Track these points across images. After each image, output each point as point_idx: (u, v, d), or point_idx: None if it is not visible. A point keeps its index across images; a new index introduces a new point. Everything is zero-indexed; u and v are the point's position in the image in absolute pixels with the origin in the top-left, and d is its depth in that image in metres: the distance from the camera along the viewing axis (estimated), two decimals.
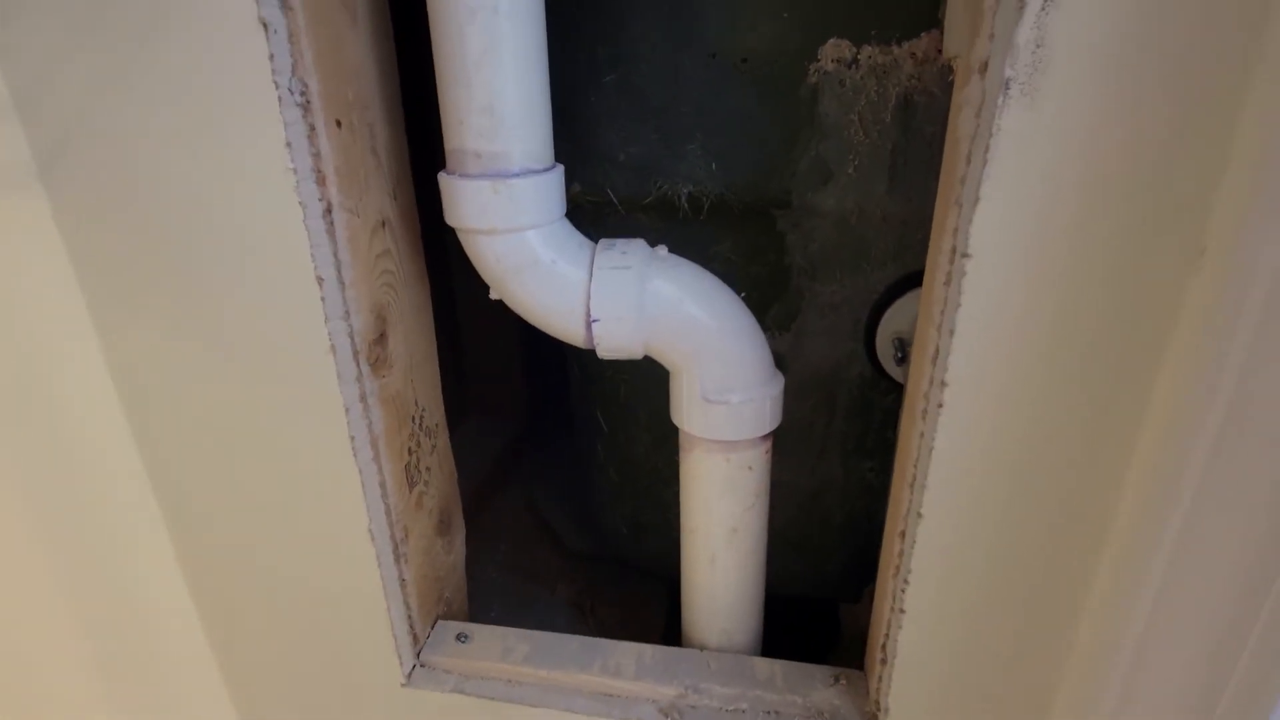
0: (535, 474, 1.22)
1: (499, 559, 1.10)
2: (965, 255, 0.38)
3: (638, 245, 0.52)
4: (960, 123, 0.40)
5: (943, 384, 0.42)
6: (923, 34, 0.55)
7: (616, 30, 0.60)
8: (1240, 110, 0.34)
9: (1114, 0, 0.33)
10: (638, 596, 1.02)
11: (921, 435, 0.45)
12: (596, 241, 0.54)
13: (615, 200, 0.66)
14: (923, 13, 0.54)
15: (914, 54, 0.56)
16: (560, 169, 0.51)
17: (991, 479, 0.43)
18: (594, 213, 0.68)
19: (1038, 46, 0.34)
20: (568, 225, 0.52)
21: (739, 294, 0.70)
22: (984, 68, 0.37)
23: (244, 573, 0.59)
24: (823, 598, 0.99)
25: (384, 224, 0.54)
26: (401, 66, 0.55)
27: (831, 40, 0.56)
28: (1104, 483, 0.42)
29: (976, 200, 0.37)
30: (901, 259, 0.66)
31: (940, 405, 0.42)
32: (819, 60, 0.57)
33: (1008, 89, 0.35)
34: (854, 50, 0.56)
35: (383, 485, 0.55)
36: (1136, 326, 0.38)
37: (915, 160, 0.59)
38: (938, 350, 0.42)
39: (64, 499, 0.52)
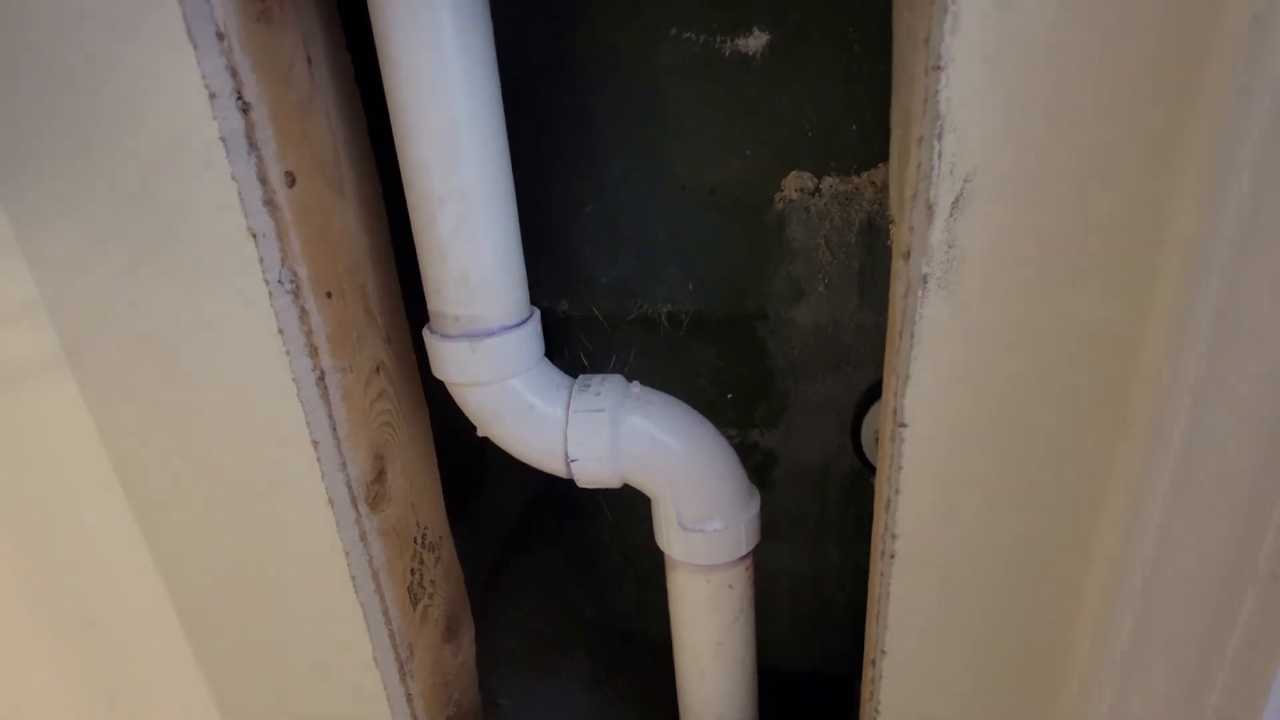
0: (553, 539, 1.25)
1: (517, 625, 1.13)
2: (902, 424, 0.41)
3: (612, 383, 0.56)
4: (895, 292, 0.42)
5: (894, 535, 0.44)
6: (880, 164, 0.57)
7: (592, 165, 0.63)
8: (1149, 301, 0.36)
9: (1017, 205, 0.35)
10: (654, 668, 1.04)
11: (881, 574, 0.47)
12: (576, 376, 0.58)
13: (600, 317, 0.70)
14: (878, 146, 0.56)
15: (873, 182, 0.58)
16: (536, 317, 0.55)
17: (947, 624, 0.45)
18: (581, 326, 0.72)
19: (949, 247, 0.36)
20: (545, 366, 0.56)
21: (725, 395, 0.73)
22: (907, 255, 0.39)
23: (252, 697, 0.63)
24: (834, 674, 1.00)
25: (379, 369, 0.58)
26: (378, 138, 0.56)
27: (794, 172, 0.59)
28: (1056, 620, 0.44)
29: (908, 377, 0.39)
30: (880, 361, 0.67)
31: (893, 555, 0.44)
32: (783, 190, 0.60)
33: (926, 283, 0.37)
34: (815, 181, 0.59)
35: (385, 612, 0.58)
36: (1069, 494, 0.40)
37: (883, 277, 0.61)
38: (888, 502, 0.44)
39: (99, 651, 0.57)
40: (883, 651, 0.47)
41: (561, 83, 0.60)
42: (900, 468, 0.42)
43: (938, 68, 0.33)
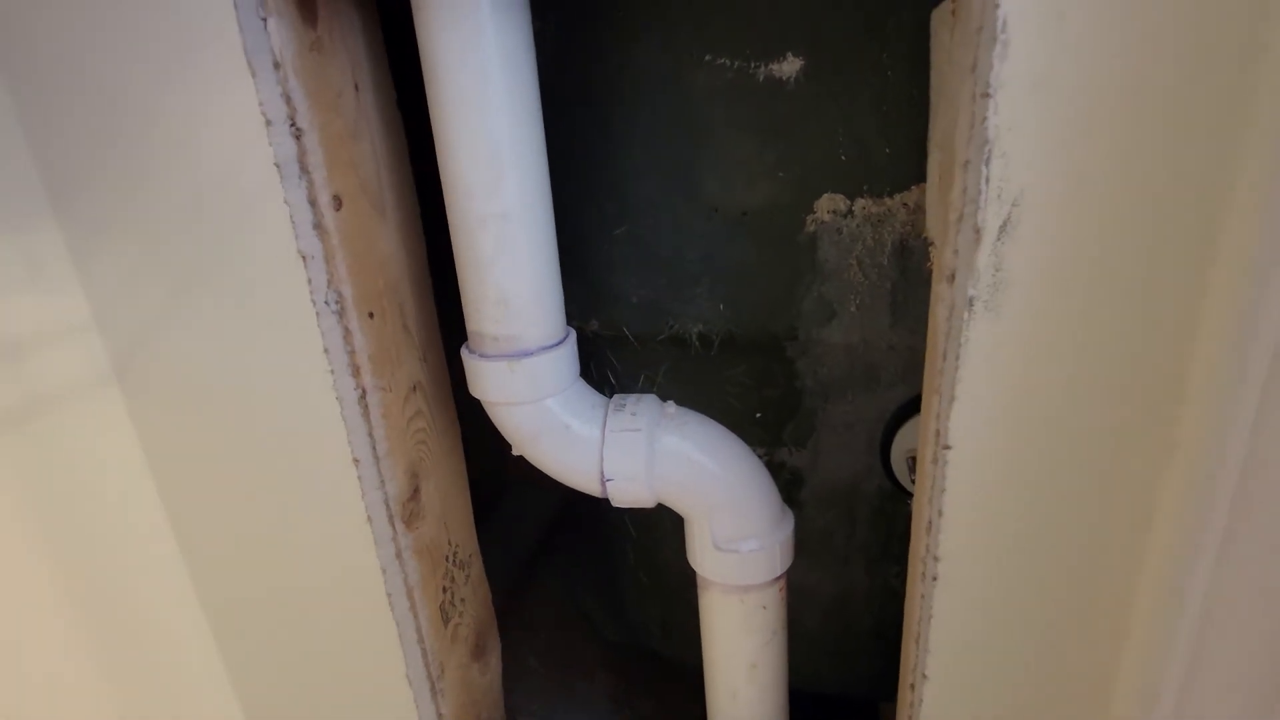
0: (574, 557, 1.25)
1: (539, 645, 1.13)
2: (946, 446, 0.41)
3: (647, 403, 0.56)
4: (938, 314, 0.42)
5: (935, 558, 0.44)
6: (913, 186, 0.58)
7: (625, 187, 0.64)
8: (1198, 324, 0.36)
9: (1064, 228, 0.35)
10: (675, 688, 1.04)
11: (922, 597, 0.47)
12: (611, 397, 0.58)
13: (630, 336, 0.70)
14: (911, 169, 0.57)
15: (906, 204, 0.58)
16: (572, 337, 0.55)
17: (989, 649, 0.45)
18: (612, 346, 0.72)
19: (996, 270, 0.36)
20: (581, 386, 0.56)
21: (753, 414, 0.73)
22: (952, 278, 0.39)
23: (283, 712, 0.63)
24: (859, 696, 0.98)
25: (415, 388, 0.59)
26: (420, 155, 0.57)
27: (826, 194, 0.59)
28: (1101, 646, 0.43)
29: (953, 399, 0.39)
30: (911, 380, 0.67)
31: (935, 578, 0.44)
32: (815, 212, 0.60)
33: (972, 305, 0.37)
34: (848, 203, 0.59)
35: (419, 630, 0.58)
36: (1114, 518, 0.40)
37: (915, 297, 0.62)
38: (930, 524, 0.44)
39: (133, 661, 0.57)
40: (923, 676, 0.47)
41: (597, 106, 0.61)
42: (943, 490, 0.41)
43: (986, 94, 0.33)
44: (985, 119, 0.34)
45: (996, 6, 0.32)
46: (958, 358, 0.38)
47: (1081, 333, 0.37)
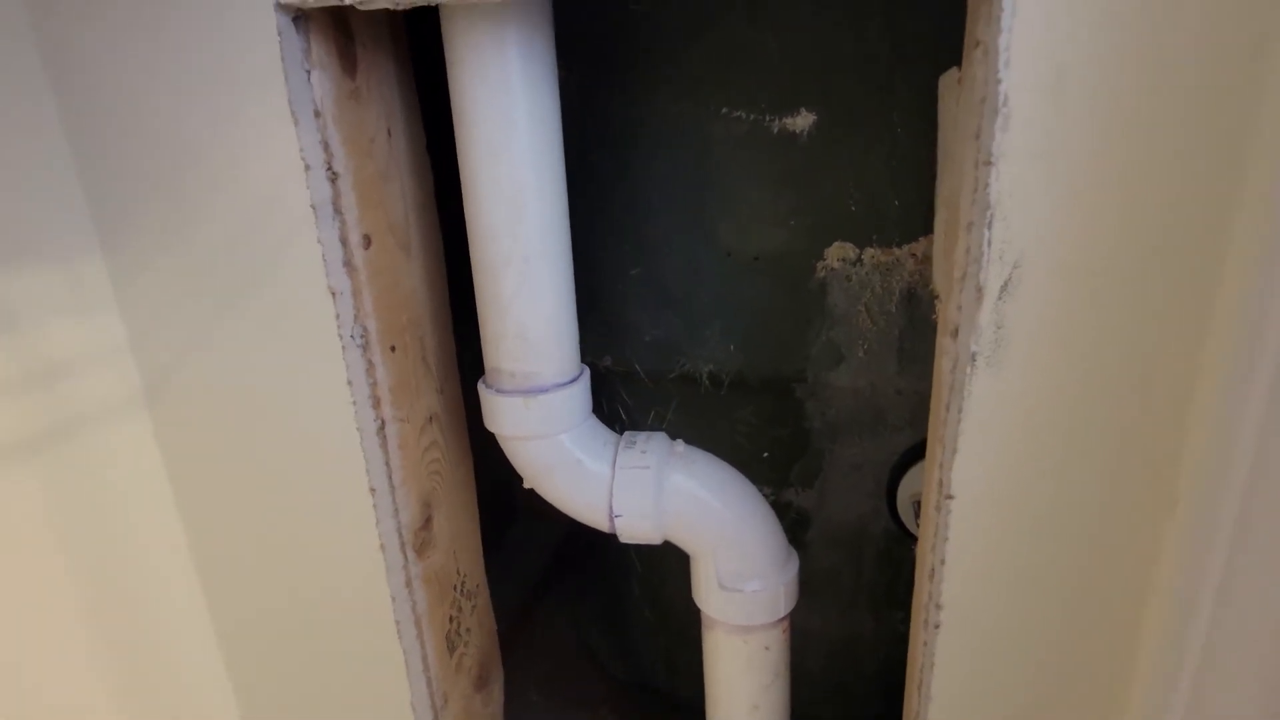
0: (579, 590, 1.25)
1: (541, 678, 1.12)
2: (949, 496, 0.42)
3: (657, 441, 0.57)
4: (942, 367, 0.43)
5: (938, 605, 0.44)
6: (920, 238, 0.59)
7: (642, 229, 0.66)
8: (1196, 385, 0.37)
9: (1064, 290, 0.37)
10: None
11: (925, 644, 0.47)
12: (621, 434, 0.59)
13: (642, 374, 0.72)
14: (919, 221, 0.59)
15: (914, 254, 0.60)
16: (586, 375, 0.57)
17: (992, 696, 0.45)
18: (623, 382, 0.74)
19: (998, 328, 0.38)
20: (593, 423, 0.58)
21: (761, 454, 0.74)
22: (955, 333, 0.40)
23: None
24: None
25: (431, 419, 0.60)
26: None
27: (836, 243, 0.61)
28: (1105, 695, 0.44)
29: (955, 450, 0.41)
30: (917, 425, 0.68)
31: (938, 626, 0.44)
32: (825, 260, 0.62)
33: (974, 361, 0.39)
34: (857, 251, 0.61)
35: (424, 659, 0.59)
36: (1116, 569, 0.40)
37: (922, 344, 0.63)
38: (932, 571, 0.45)
39: (143, 679, 0.58)
40: None
41: (618, 151, 0.64)
42: (946, 538, 0.42)
43: (989, 162, 0.35)
44: (988, 185, 0.35)
45: (999, 81, 0.34)
46: (960, 410, 0.40)
47: (1081, 390, 0.38)
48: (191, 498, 0.57)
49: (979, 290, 0.37)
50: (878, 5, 0.54)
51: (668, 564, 0.84)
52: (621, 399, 0.75)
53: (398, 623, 0.56)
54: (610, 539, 0.58)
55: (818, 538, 0.76)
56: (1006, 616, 0.43)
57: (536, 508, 0.61)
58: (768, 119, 0.59)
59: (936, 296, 0.53)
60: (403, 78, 0.55)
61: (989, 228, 0.36)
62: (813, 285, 0.63)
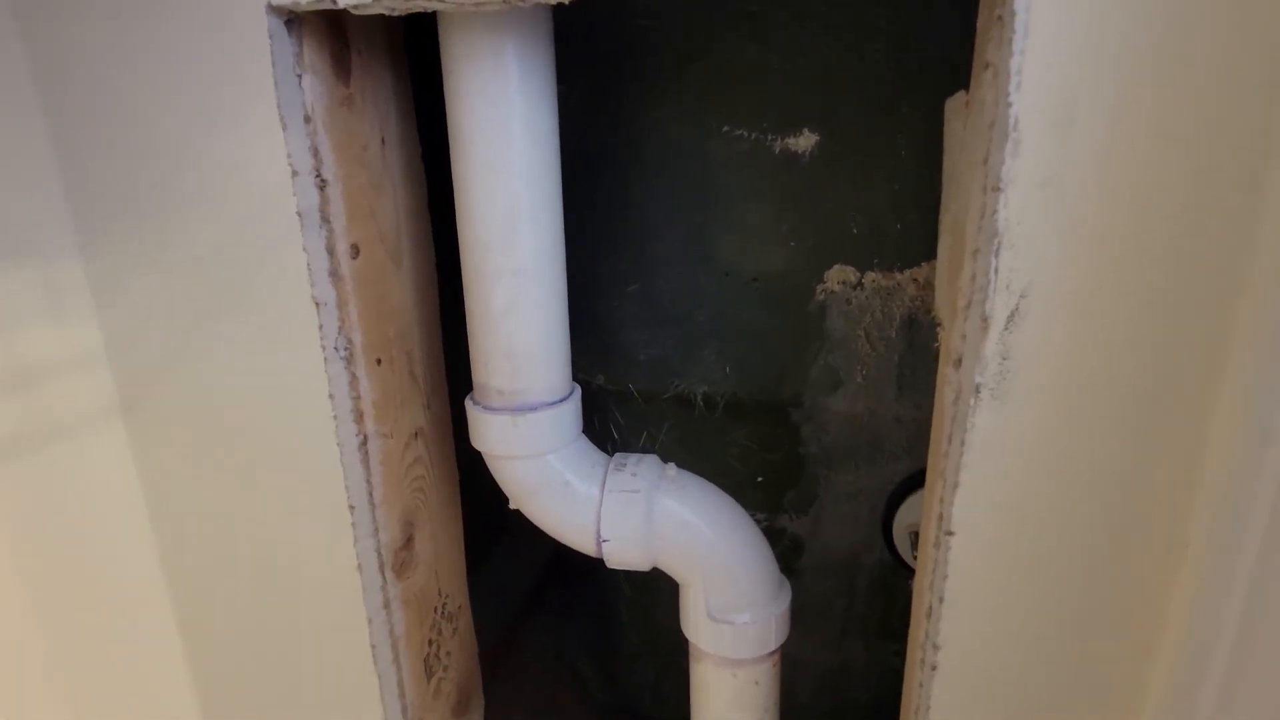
0: (566, 612, 1.22)
1: (525, 703, 1.09)
2: (949, 532, 0.40)
3: (648, 464, 0.55)
4: (944, 397, 0.42)
5: (935, 646, 0.42)
6: (923, 263, 0.58)
7: (640, 247, 0.65)
8: (1209, 420, 0.35)
9: (1072, 322, 0.35)
10: None
11: (920, 685, 0.45)
12: (612, 454, 0.58)
13: (636, 393, 0.70)
14: (921, 246, 0.57)
15: (915, 279, 0.59)
16: (577, 394, 0.55)
17: None
18: (616, 401, 0.72)
19: (1004, 359, 0.36)
20: (583, 443, 0.56)
21: (755, 478, 0.72)
22: (959, 363, 0.39)
23: None
24: None
25: (417, 434, 0.58)
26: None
27: (837, 265, 0.60)
28: None
29: (957, 484, 0.39)
30: (916, 454, 0.67)
31: (934, 667, 0.43)
32: (825, 282, 0.61)
33: (978, 393, 0.37)
34: (858, 275, 0.60)
35: (400, 685, 0.57)
36: (1123, 612, 0.39)
37: (922, 371, 0.62)
38: (930, 610, 0.43)
39: (111, 697, 0.56)
40: None
41: (618, 167, 0.63)
42: (945, 576, 0.41)
43: (997, 189, 0.34)
44: (995, 211, 0.34)
45: (1009, 105, 0.33)
46: (963, 443, 0.38)
47: (1089, 425, 0.37)
48: (165, 510, 0.55)
49: (985, 320, 0.36)
50: (883, 27, 0.53)
51: (658, 589, 0.82)
52: (614, 418, 0.74)
53: (373, 646, 0.54)
54: (599, 561, 0.56)
55: (811, 566, 0.74)
56: (1008, 660, 0.42)
57: (525, 526, 0.59)
58: (770, 138, 0.58)
59: (939, 324, 0.52)
60: (399, 85, 0.54)
61: (996, 256, 0.35)
62: (812, 308, 0.62)
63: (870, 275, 0.60)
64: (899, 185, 0.56)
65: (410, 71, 0.55)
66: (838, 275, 0.60)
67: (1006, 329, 0.36)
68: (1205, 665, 0.35)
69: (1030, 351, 0.36)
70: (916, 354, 0.61)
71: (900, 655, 0.77)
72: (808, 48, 0.55)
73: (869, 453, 0.68)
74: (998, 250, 0.35)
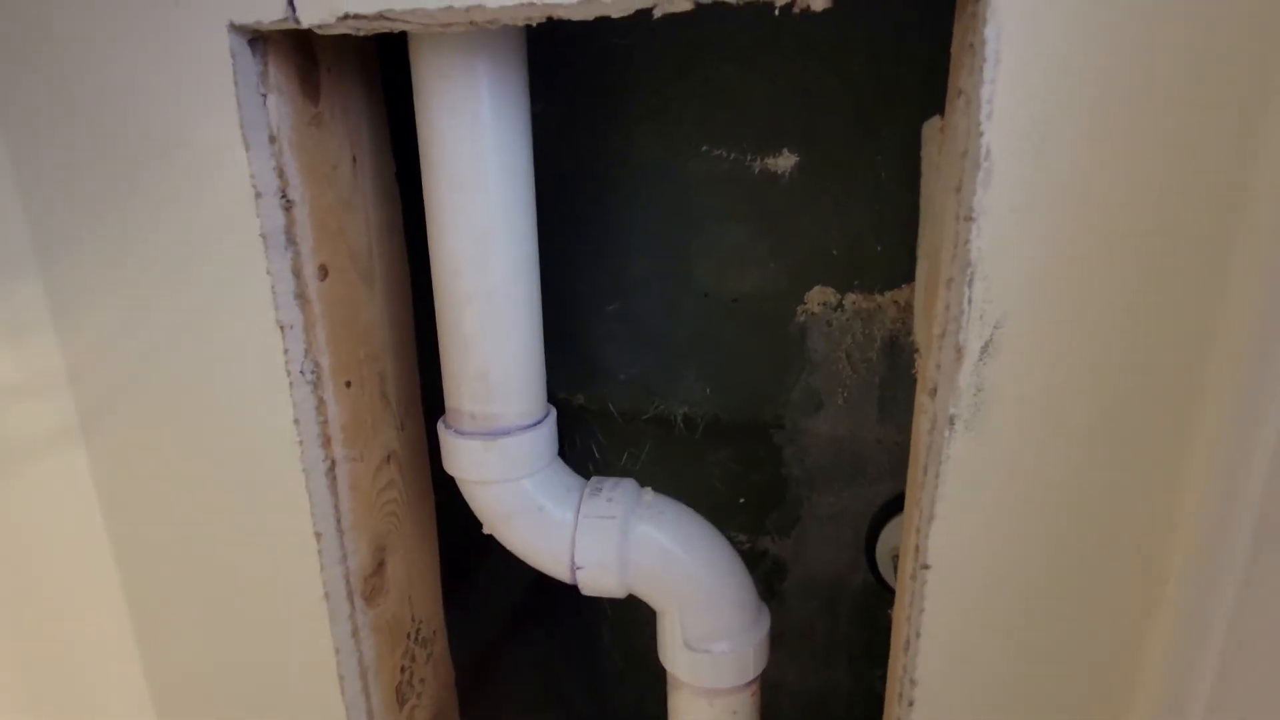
0: (549, 630, 1.20)
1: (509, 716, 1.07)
2: (925, 565, 0.39)
3: (625, 489, 0.54)
4: (920, 426, 0.41)
5: (913, 681, 0.41)
6: (903, 285, 0.58)
7: (619, 266, 0.64)
8: (1186, 449, 0.35)
9: (1049, 353, 0.35)
10: None
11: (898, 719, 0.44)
12: (590, 477, 0.57)
13: (616, 413, 0.69)
14: (901, 268, 0.57)
15: (896, 301, 0.58)
16: (552, 417, 0.54)
17: None
18: (596, 420, 0.71)
19: (978, 390, 0.36)
20: (558, 467, 0.55)
21: (737, 499, 0.71)
22: (934, 393, 0.38)
23: None
24: None
25: (389, 458, 0.57)
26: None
27: (817, 287, 0.59)
28: None
29: (933, 516, 0.38)
30: (898, 476, 0.66)
31: (911, 703, 0.42)
32: (806, 304, 0.60)
33: (953, 424, 0.36)
34: (839, 296, 0.59)
35: (370, 714, 0.56)
36: (1101, 648, 0.38)
37: (903, 393, 0.61)
38: (907, 643, 0.42)
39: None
40: None
41: (596, 186, 0.62)
42: (922, 610, 0.40)
43: (969, 218, 0.33)
44: (968, 241, 0.34)
45: (981, 134, 0.32)
46: (938, 475, 0.37)
47: (1067, 457, 0.36)
48: (126, 536, 0.54)
49: (959, 350, 0.35)
50: (862, 48, 0.53)
51: (640, 612, 0.81)
52: (595, 438, 0.73)
53: (341, 676, 0.52)
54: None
55: (794, 588, 0.73)
56: (986, 696, 0.41)
57: (505, 547, 0.58)
58: (749, 159, 0.57)
59: (916, 349, 0.51)
60: (372, 102, 0.53)
61: (969, 285, 0.34)
62: (792, 329, 0.61)
63: (851, 296, 0.59)
64: (879, 206, 0.56)
65: (384, 87, 0.54)
66: (818, 296, 0.60)
67: (981, 360, 0.35)
68: (1189, 696, 0.34)
69: (1006, 383, 0.35)
70: (897, 376, 0.60)
71: (885, 680, 0.76)
72: (787, 68, 0.55)
73: (851, 475, 0.67)
74: (971, 280, 0.34)
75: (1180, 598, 0.36)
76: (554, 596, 1.10)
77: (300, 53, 0.44)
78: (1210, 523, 0.34)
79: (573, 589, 0.89)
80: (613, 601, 0.84)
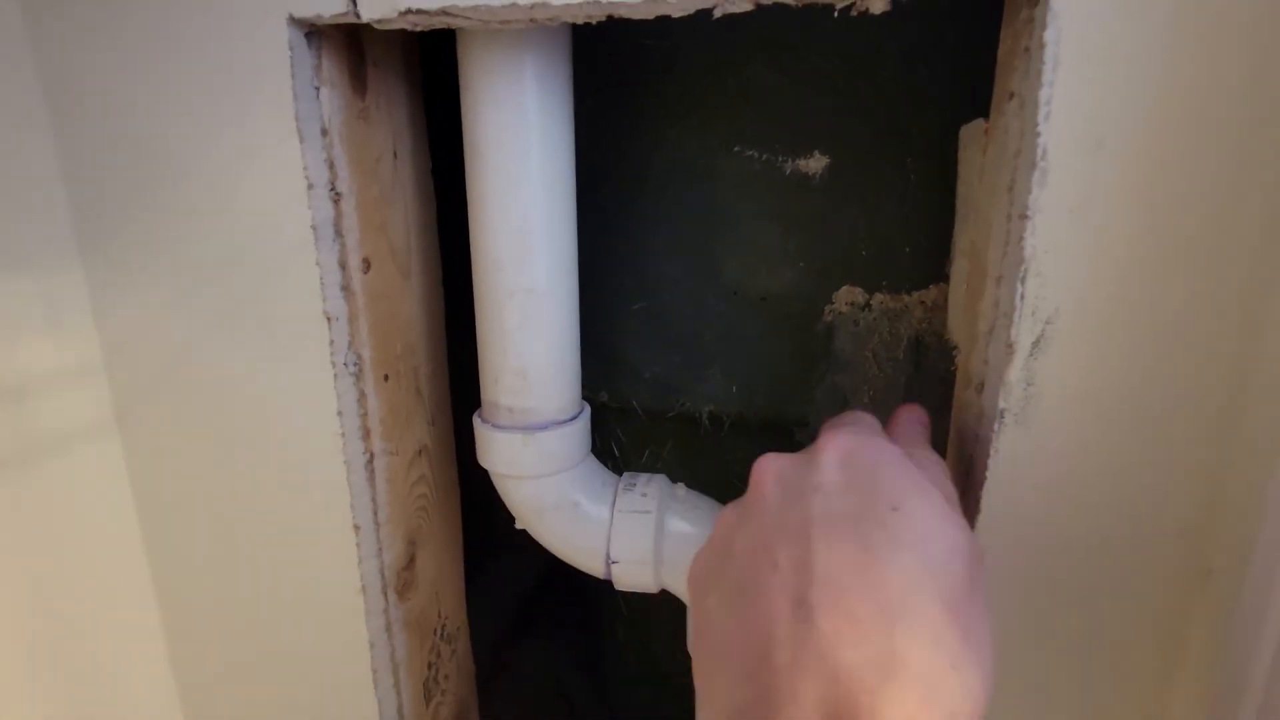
0: (559, 630, 1.20)
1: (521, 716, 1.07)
2: None
3: (658, 484, 0.55)
4: (963, 421, 0.42)
5: None
6: (931, 286, 0.58)
7: (646, 264, 0.65)
8: (1233, 450, 0.36)
9: (1099, 349, 0.36)
10: None
11: None
12: (620, 474, 0.57)
13: (640, 411, 0.69)
14: (930, 269, 0.58)
15: (923, 302, 0.59)
16: (586, 413, 0.55)
17: None
18: (619, 418, 0.71)
19: (1028, 385, 0.37)
20: (592, 463, 0.55)
21: None
22: (980, 388, 0.39)
23: None
24: None
25: (421, 452, 0.57)
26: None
27: (845, 287, 0.60)
28: None
29: (978, 511, 0.39)
30: None
31: None
32: (833, 303, 0.61)
33: (1002, 418, 0.37)
34: (866, 296, 0.60)
35: (400, 710, 0.55)
36: (1142, 646, 0.39)
37: (929, 393, 0.62)
38: None
39: None
40: None
41: (626, 184, 0.63)
42: None
43: (1024, 216, 0.34)
44: (1022, 239, 0.34)
45: (1038, 135, 0.33)
46: (986, 469, 0.38)
47: (1114, 453, 0.37)
48: (159, 529, 0.53)
49: (1009, 346, 0.36)
50: (895, 52, 0.54)
51: (657, 612, 0.81)
52: (617, 436, 0.73)
53: (375, 671, 0.52)
54: (595, 579, 0.55)
55: None
56: (1034, 688, 0.41)
57: (518, 542, 0.58)
58: (780, 159, 0.58)
59: (954, 348, 0.52)
60: (413, 99, 0.53)
61: (1022, 282, 0.35)
62: (819, 328, 0.62)
63: (878, 296, 0.60)
64: (908, 208, 0.57)
65: (421, 84, 0.55)
66: (846, 296, 0.61)
67: (1031, 355, 0.36)
68: (1240, 689, 0.35)
69: (1055, 377, 0.36)
70: (923, 376, 0.61)
71: None
72: (820, 71, 0.56)
73: None
74: (1024, 277, 0.35)
75: (1225, 592, 0.37)
76: (565, 596, 1.10)
77: (350, 47, 0.44)
78: (1256, 516, 0.35)
79: (583, 589, 0.89)
80: (627, 600, 0.84)
